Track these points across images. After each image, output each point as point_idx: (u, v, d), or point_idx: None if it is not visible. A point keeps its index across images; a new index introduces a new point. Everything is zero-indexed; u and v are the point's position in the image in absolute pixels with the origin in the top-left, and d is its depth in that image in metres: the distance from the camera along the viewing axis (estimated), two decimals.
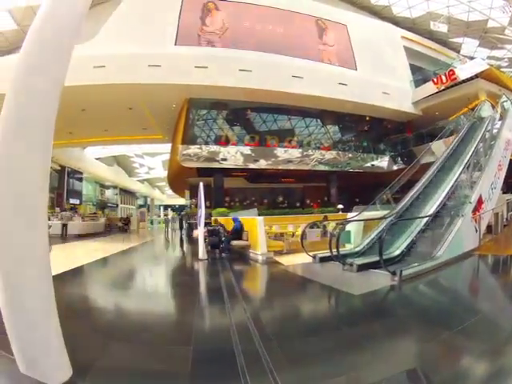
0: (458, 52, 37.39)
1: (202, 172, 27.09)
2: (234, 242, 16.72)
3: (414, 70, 32.28)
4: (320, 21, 29.96)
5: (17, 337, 3.82)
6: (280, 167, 27.46)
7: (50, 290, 3.93)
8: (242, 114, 28.44)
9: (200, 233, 15.82)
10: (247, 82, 24.26)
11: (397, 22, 34.13)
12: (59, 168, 45.38)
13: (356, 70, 28.98)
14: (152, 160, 64.99)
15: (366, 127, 31.35)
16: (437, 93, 27.86)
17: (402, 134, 31.53)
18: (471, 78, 26.52)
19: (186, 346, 5.07)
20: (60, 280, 9.99)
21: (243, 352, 4.73)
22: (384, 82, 28.12)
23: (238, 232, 17.03)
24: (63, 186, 48.01)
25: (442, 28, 34.62)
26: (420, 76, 31.45)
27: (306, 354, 4.81)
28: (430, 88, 28.43)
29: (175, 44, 25.19)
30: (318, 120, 30.11)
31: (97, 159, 57.17)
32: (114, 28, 25.17)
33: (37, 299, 3.83)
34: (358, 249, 12.95)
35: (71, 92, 18.25)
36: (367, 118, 30.54)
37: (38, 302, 3.84)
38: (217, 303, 8.07)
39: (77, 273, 12.20)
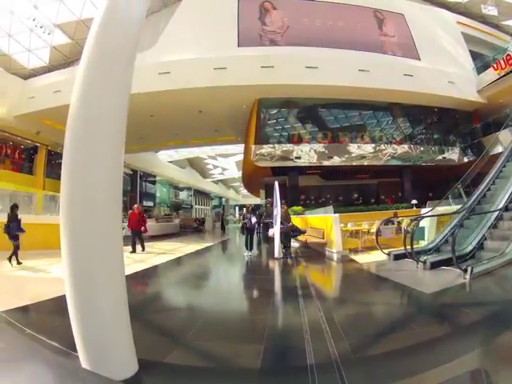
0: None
1: (276, 171, 27.98)
2: (310, 240, 17.12)
3: (473, 56, 31.47)
4: (377, 12, 30.22)
5: (85, 333, 4.13)
6: (354, 163, 27.78)
7: (123, 289, 4.33)
8: (313, 112, 28.89)
9: (276, 232, 16.19)
10: (314, 78, 24.64)
11: (449, 7, 33.18)
12: (131, 172, 47.81)
13: (419, 59, 28.92)
14: (225, 161, 66.28)
15: (435, 119, 31.06)
16: (498, 79, 26.99)
17: (470, 124, 30.88)
18: None
19: (258, 344, 5.30)
20: (134, 279, 11.00)
21: (314, 350, 4.92)
22: (448, 71, 27.88)
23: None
24: (136, 189, 50.98)
25: (492, 11, 33.23)
26: (479, 63, 30.34)
27: (375, 354, 4.96)
28: (491, 74, 27.63)
29: (238, 46, 26.16)
30: (388, 114, 30.30)
31: (169, 162, 58.22)
32: (175, 35, 26.75)
33: (109, 297, 4.21)
34: (431, 245, 13.04)
35: (138, 99, 19.26)
36: (435, 109, 30.27)
37: (111, 300, 4.22)
38: (291, 301, 8.27)
39: (151, 272, 12.98)
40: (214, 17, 26.85)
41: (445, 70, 27.53)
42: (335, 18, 28.76)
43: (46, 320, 6.94)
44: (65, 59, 34.77)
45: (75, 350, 4.18)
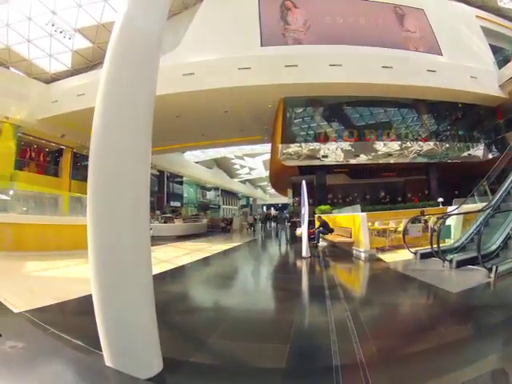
0: None
1: (303, 170, 28.76)
2: (338, 239, 17.27)
3: (493, 50, 31.13)
4: (397, 7, 30.35)
5: (110, 332, 4.20)
6: (380, 161, 28.20)
7: (150, 288, 4.40)
8: (339, 110, 29.44)
9: (304, 231, 16.42)
10: (338, 76, 24.90)
11: (467, 1, 32.79)
12: (158, 173, 48.90)
13: (441, 55, 28.87)
14: (252, 161, 66.76)
15: (459, 115, 30.85)
16: None
17: (494, 120, 30.61)
18: None
19: (284, 343, 5.40)
20: (161, 279, 11.13)
21: (339, 350, 5.00)
22: (469, 66, 27.68)
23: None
24: (163, 190, 52.04)
25: (507, 4, 32.85)
26: (500, 57, 30.05)
27: (400, 354, 5.12)
28: (511, 69, 27.38)
29: (261, 45, 26.57)
30: (413, 110, 30.48)
31: (196, 163, 58.80)
32: (196, 36, 27.40)
33: (136, 297, 4.29)
34: (457, 244, 13.17)
35: (164, 100, 19.58)
36: (459, 105, 30.03)
37: (138, 299, 4.31)
38: (318, 301, 8.48)
39: (177, 272, 13.24)
40: (235, 17, 27.49)
41: (467, 65, 27.55)
42: (356, 14, 29.08)
43: (70, 319, 7.40)
44: (87, 63, 35.92)
45: (98, 349, 4.29)
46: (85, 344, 5.05)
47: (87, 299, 6.03)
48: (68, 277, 11.08)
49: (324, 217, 21.01)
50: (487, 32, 31.63)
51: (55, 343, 5.14)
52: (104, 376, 4.04)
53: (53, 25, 30.79)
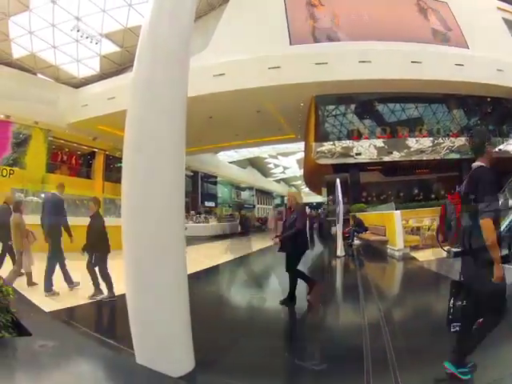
0: None
1: (337, 168, 28.73)
2: (372, 238, 17.40)
3: None
4: (420, 1, 30.60)
5: (144, 330, 4.37)
6: (413, 158, 28.21)
7: (185, 288, 4.58)
8: (370, 106, 30.10)
9: (338, 230, 16.85)
10: (369, 73, 25.12)
11: None
12: (192, 173, 49.93)
13: (468, 48, 28.81)
14: (286, 160, 67.34)
15: (488, 109, 30.59)
16: None
17: None
18: None
19: (316, 343, 5.68)
20: (195, 278, 11.19)
21: (371, 350, 5.09)
22: (495, 58, 27.10)
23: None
24: (197, 190, 53.11)
25: None
26: None
27: (431, 355, 5.00)
28: None
29: (290, 44, 27.10)
30: (443, 105, 30.38)
31: (230, 163, 58.90)
32: (225, 36, 28.04)
33: (171, 296, 4.43)
34: None
35: (195, 101, 19.91)
36: (488, 99, 29.83)
37: (173, 298, 4.45)
38: (352, 300, 8.78)
39: (213, 271, 13.66)
40: (262, 17, 27.88)
41: (493, 58, 27.02)
42: (381, 9, 29.21)
43: (101, 318, 7.94)
44: (116, 67, 37.38)
45: (130, 347, 4.46)
46: (116, 342, 5.31)
47: (119, 299, 6.19)
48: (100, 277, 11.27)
49: (359, 215, 21.10)
50: (509, 24, 31.49)
51: (86, 342, 5.37)
52: (136, 373, 4.20)
53: (78, 30, 32.07)
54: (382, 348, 5.18)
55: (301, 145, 41.22)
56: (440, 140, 28.20)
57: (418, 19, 29.85)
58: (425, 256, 14.40)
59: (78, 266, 12.66)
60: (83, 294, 8.56)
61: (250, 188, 78.87)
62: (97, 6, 31.13)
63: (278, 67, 24.98)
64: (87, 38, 32.92)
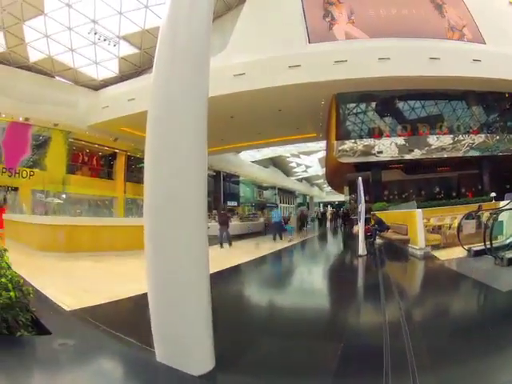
0: None
1: (359, 167, 29.20)
2: (394, 236, 17.41)
3: None
4: None
5: (165, 329, 4.40)
6: (434, 156, 28.31)
7: (207, 287, 4.57)
8: (391, 104, 30.47)
9: (360, 229, 16.75)
10: (388, 70, 25.37)
11: None
12: (214, 173, 50.75)
13: (485, 43, 28.96)
14: (308, 158, 67.73)
15: (507, 105, 30.28)
16: None
17: None
18: None
19: (336, 343, 5.44)
20: (217, 277, 10.86)
21: (391, 351, 5.03)
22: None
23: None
24: (220, 190, 53.91)
25: None
26: None
27: (450, 356, 4.93)
28: None
29: (309, 42, 27.50)
30: (463, 102, 30.16)
31: (252, 162, 59.19)
32: (243, 36, 28.69)
33: (193, 296, 4.45)
34: (508, 240, 12.87)
35: (217, 102, 20.08)
36: (506, 95, 29.58)
37: (194, 297, 4.46)
38: (373, 299, 8.74)
39: (234, 271, 13.52)
40: (279, 16, 28.37)
41: (509, 53, 26.65)
42: (398, 6, 29.45)
43: (121, 317, 7.73)
44: (135, 68, 38.38)
45: (150, 346, 4.52)
46: (136, 341, 5.31)
47: (139, 298, 6.36)
48: (121, 276, 11.56)
49: (380, 214, 21.10)
50: None
51: (106, 340, 5.43)
52: (156, 372, 4.27)
53: (95, 33, 33.07)
54: (402, 348, 5.12)
55: (322, 143, 41.67)
56: (460, 137, 28.24)
57: (433, 15, 29.96)
58: (445, 255, 14.30)
59: (80, 266, 13.00)
60: (105, 294, 8.51)
61: (273, 187, 79.20)
62: (113, 8, 31.85)
63: (298, 66, 25.38)
64: (105, 40, 33.78)
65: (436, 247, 15.86)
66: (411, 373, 4.31)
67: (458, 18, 30.17)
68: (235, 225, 30.79)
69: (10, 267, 4.71)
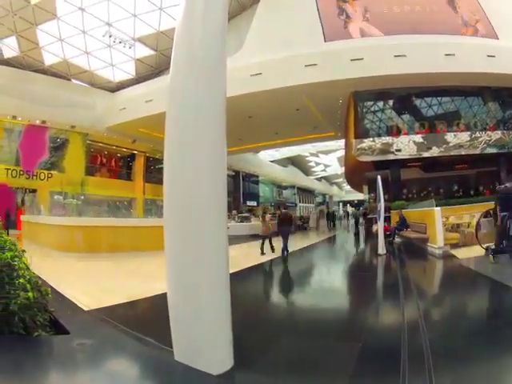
0: None
1: (378, 165, 29.28)
2: (413, 235, 17.38)
3: None
4: None
5: (184, 328, 4.46)
6: (451, 153, 28.15)
7: (226, 287, 4.64)
8: (408, 101, 30.31)
9: (380, 227, 17.18)
10: (404, 67, 25.24)
11: None
12: (233, 173, 51.19)
13: (498, 38, 28.61)
14: (327, 157, 68.06)
15: None
16: None
17: None
18: None
19: (354, 343, 5.52)
20: (238, 277, 11.06)
21: (408, 351, 5.06)
22: None
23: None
24: (239, 190, 54.51)
25: None
26: None
27: (467, 356, 5.02)
28: None
29: (325, 41, 27.52)
30: (479, 98, 29.93)
31: (271, 162, 59.33)
32: (259, 36, 28.88)
33: (213, 295, 4.51)
34: None
35: (235, 102, 20.15)
36: None
37: (214, 297, 4.52)
38: (392, 299, 8.88)
39: (255, 270, 13.80)
40: (294, 14, 28.51)
41: None
42: (411, 2, 29.40)
43: (139, 317, 7.90)
44: (152, 70, 38.85)
45: (168, 345, 4.56)
46: (154, 340, 5.36)
47: (157, 298, 6.43)
48: (140, 276, 11.66)
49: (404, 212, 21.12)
50: None
51: (124, 340, 5.52)
52: (175, 371, 4.32)
53: (110, 36, 33.74)
54: (420, 348, 5.13)
55: (341, 142, 41.50)
56: (477, 134, 28.02)
57: (446, 10, 29.88)
58: (464, 254, 14.49)
59: (100, 266, 13.13)
60: (123, 294, 8.69)
61: (292, 186, 79.50)
62: (127, 11, 32.38)
63: (315, 64, 25.46)
64: (120, 42, 34.35)
65: (454, 246, 16.04)
66: (427, 372, 4.34)
67: (471, 14, 30.11)
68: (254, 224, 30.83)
69: (28, 268, 4.83)
